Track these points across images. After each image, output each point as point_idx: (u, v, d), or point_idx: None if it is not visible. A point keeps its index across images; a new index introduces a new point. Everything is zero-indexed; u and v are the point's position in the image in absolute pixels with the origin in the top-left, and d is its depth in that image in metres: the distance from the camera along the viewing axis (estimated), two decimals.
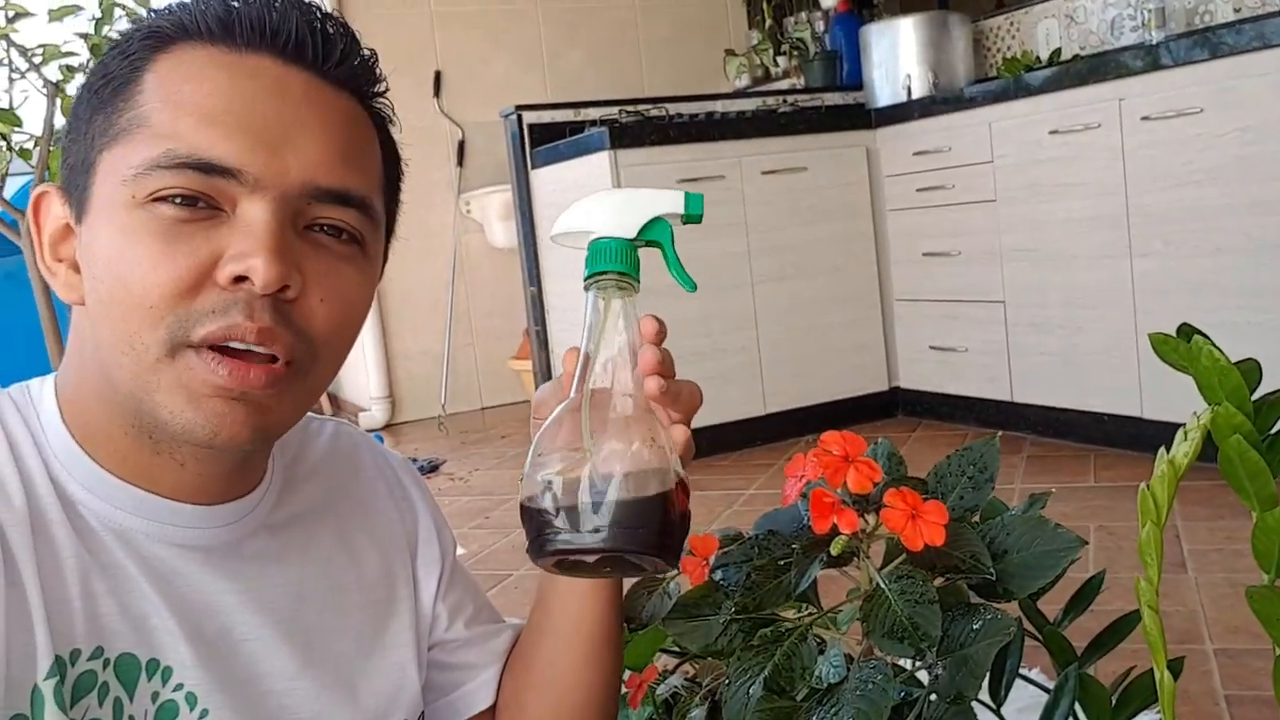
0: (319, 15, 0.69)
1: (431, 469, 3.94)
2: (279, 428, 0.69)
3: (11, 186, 2.77)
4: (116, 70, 0.67)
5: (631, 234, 0.67)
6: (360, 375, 4.86)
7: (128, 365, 0.64)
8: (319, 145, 0.67)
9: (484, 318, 5.08)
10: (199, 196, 0.64)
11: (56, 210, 0.70)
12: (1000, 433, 0.83)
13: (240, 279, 0.63)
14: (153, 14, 0.69)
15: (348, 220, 0.69)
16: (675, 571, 0.74)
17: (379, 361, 4.86)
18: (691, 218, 0.69)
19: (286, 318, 0.66)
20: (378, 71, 0.73)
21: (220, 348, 0.64)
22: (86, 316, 0.67)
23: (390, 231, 0.78)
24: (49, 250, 0.70)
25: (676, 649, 1.02)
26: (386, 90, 0.75)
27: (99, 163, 0.66)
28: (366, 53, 0.72)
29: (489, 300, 5.09)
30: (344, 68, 0.70)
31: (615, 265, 0.66)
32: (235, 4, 0.67)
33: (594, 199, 0.68)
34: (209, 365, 0.64)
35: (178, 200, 0.63)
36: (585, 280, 0.67)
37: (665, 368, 0.66)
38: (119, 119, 0.66)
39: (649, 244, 0.68)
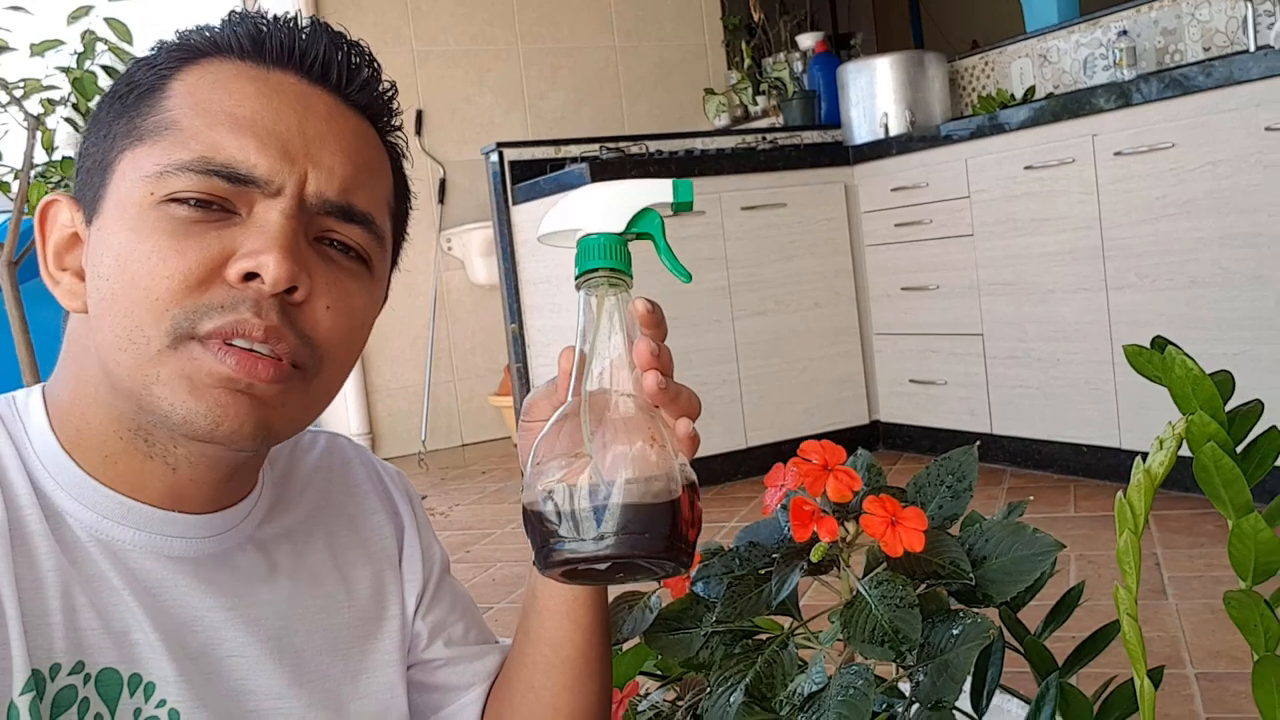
0: (345, 42, 0.72)
1: None
2: (281, 429, 0.68)
3: None
4: (142, 79, 0.69)
5: (620, 228, 0.65)
6: (340, 410, 4.84)
7: (126, 361, 0.64)
8: (337, 161, 0.69)
9: (465, 354, 5.09)
10: (215, 200, 0.65)
11: (64, 219, 0.70)
12: (969, 432, 0.83)
13: (250, 277, 0.64)
14: (178, 34, 0.71)
15: (356, 237, 0.70)
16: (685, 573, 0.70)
17: (359, 397, 4.84)
18: (681, 206, 0.67)
19: (293, 321, 0.66)
20: (395, 105, 0.76)
21: (226, 343, 0.64)
22: (85, 324, 0.68)
23: (394, 263, 0.79)
24: (53, 259, 0.71)
25: (658, 672, 1.02)
26: (401, 125, 0.77)
27: (118, 163, 0.67)
28: (386, 84, 0.74)
29: (470, 337, 5.09)
30: (365, 93, 0.72)
31: (605, 262, 0.64)
32: (265, 26, 0.69)
33: (579, 194, 0.67)
34: (215, 355, 0.64)
35: (192, 202, 0.64)
36: (576, 280, 0.65)
37: (663, 363, 0.64)
38: (143, 122, 0.67)
39: (639, 237, 0.66)
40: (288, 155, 0.66)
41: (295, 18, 0.71)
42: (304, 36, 0.70)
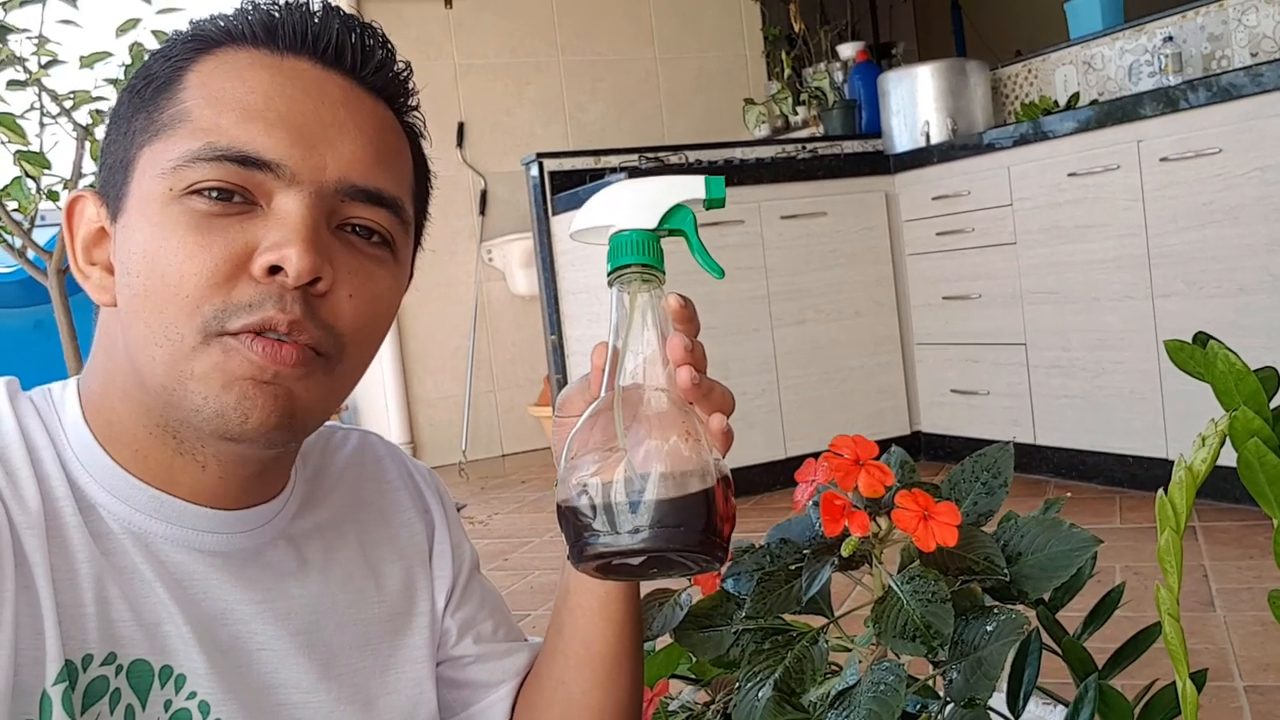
0: (358, 25, 0.71)
1: None
2: (306, 418, 0.68)
3: (43, 236, 2.82)
4: (158, 71, 0.69)
5: (652, 224, 0.65)
6: (382, 420, 4.88)
7: (161, 357, 0.65)
8: (355, 145, 0.68)
9: (505, 364, 5.10)
10: (235, 190, 0.65)
11: (90, 214, 0.71)
12: (1014, 437, 0.82)
13: (274, 270, 0.64)
14: (192, 24, 0.71)
15: (379, 221, 0.70)
16: (719, 569, 0.69)
17: (400, 406, 4.87)
18: (714, 202, 0.66)
19: (315, 311, 0.66)
20: (410, 85, 0.75)
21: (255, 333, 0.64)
22: (116, 318, 0.68)
23: (417, 243, 0.79)
24: (82, 254, 0.71)
25: (692, 676, 1.01)
26: (419, 105, 0.77)
27: (138, 159, 0.67)
28: (401, 65, 0.74)
29: (510, 347, 5.11)
30: (380, 76, 0.72)
31: (638, 258, 0.64)
32: (278, 12, 0.69)
33: (611, 191, 0.66)
34: (245, 344, 0.64)
35: (213, 194, 0.64)
36: (608, 276, 0.64)
37: (696, 358, 0.64)
38: (160, 116, 0.67)
39: (672, 233, 0.66)
40: (304, 142, 0.66)
41: (308, 3, 0.71)
42: (316, 21, 0.69)
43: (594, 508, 0.59)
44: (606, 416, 0.62)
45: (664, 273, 0.65)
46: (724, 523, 0.61)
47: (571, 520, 0.60)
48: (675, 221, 0.66)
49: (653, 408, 0.62)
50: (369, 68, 0.71)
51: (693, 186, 0.66)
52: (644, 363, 0.63)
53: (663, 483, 0.59)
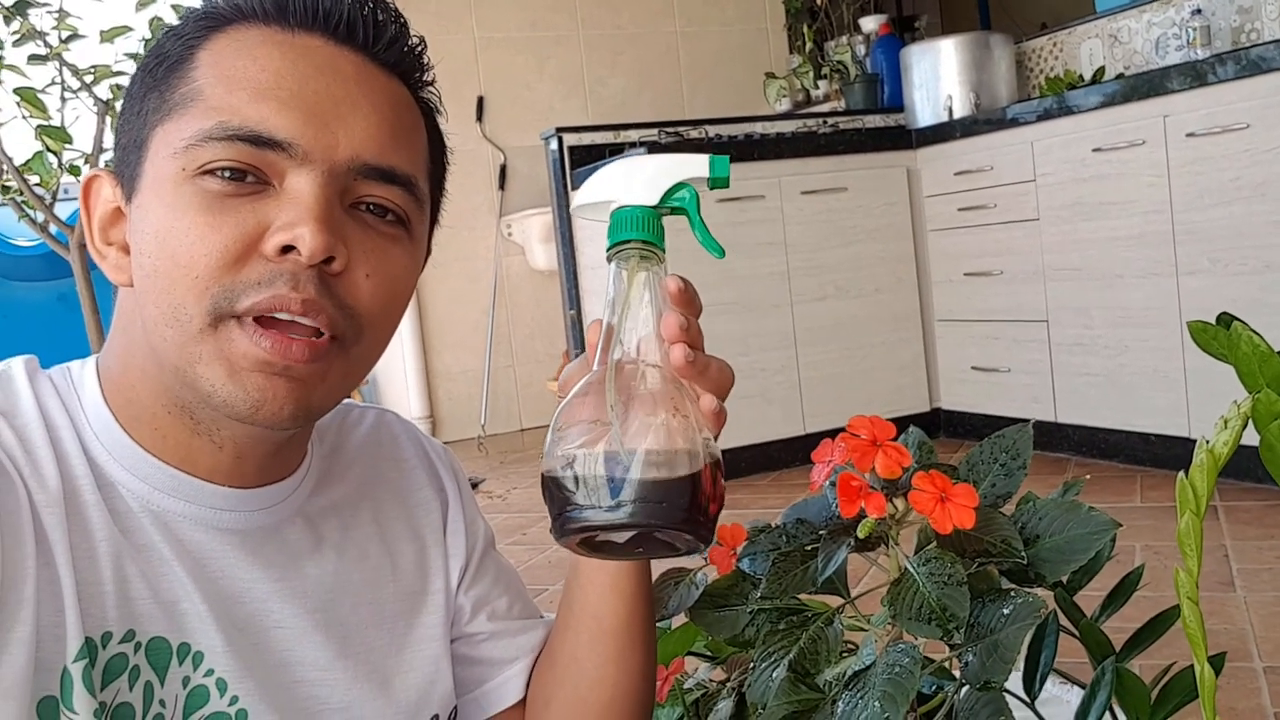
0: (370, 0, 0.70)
1: (471, 487, 3.95)
2: (321, 405, 0.68)
3: (64, 210, 2.84)
4: (171, 50, 0.68)
5: (653, 201, 0.64)
6: (401, 394, 4.90)
7: (171, 337, 0.65)
8: (368, 123, 0.68)
9: (524, 339, 5.11)
10: (247, 170, 0.64)
11: (106, 194, 0.71)
12: (1033, 421, 0.81)
13: (287, 250, 0.64)
14: (205, 1, 0.70)
15: (393, 199, 0.69)
16: (704, 552, 0.69)
17: (420, 381, 4.89)
18: (718, 181, 0.65)
19: (331, 291, 0.65)
20: (425, 60, 0.74)
21: (264, 320, 0.64)
22: (133, 297, 0.68)
23: (434, 220, 0.78)
24: (99, 234, 0.71)
25: (708, 653, 1.01)
26: (434, 80, 0.76)
27: (151, 139, 0.67)
28: (415, 40, 0.73)
29: (529, 322, 5.12)
30: (393, 51, 0.71)
31: (637, 234, 0.63)
32: None
33: (614, 167, 0.66)
34: (251, 337, 0.64)
35: (226, 174, 0.64)
36: (607, 251, 0.64)
37: (690, 335, 0.63)
38: (172, 95, 0.66)
39: (674, 211, 0.65)
40: (316, 120, 0.65)
41: None
42: None
43: (577, 480, 0.58)
44: (596, 390, 0.61)
45: (664, 250, 0.64)
46: (710, 503, 0.60)
47: (554, 492, 0.59)
48: (677, 200, 0.65)
49: (644, 383, 0.61)
50: (381, 43, 0.70)
51: (696, 165, 0.66)
52: (639, 339, 0.63)
53: (648, 458, 0.58)
